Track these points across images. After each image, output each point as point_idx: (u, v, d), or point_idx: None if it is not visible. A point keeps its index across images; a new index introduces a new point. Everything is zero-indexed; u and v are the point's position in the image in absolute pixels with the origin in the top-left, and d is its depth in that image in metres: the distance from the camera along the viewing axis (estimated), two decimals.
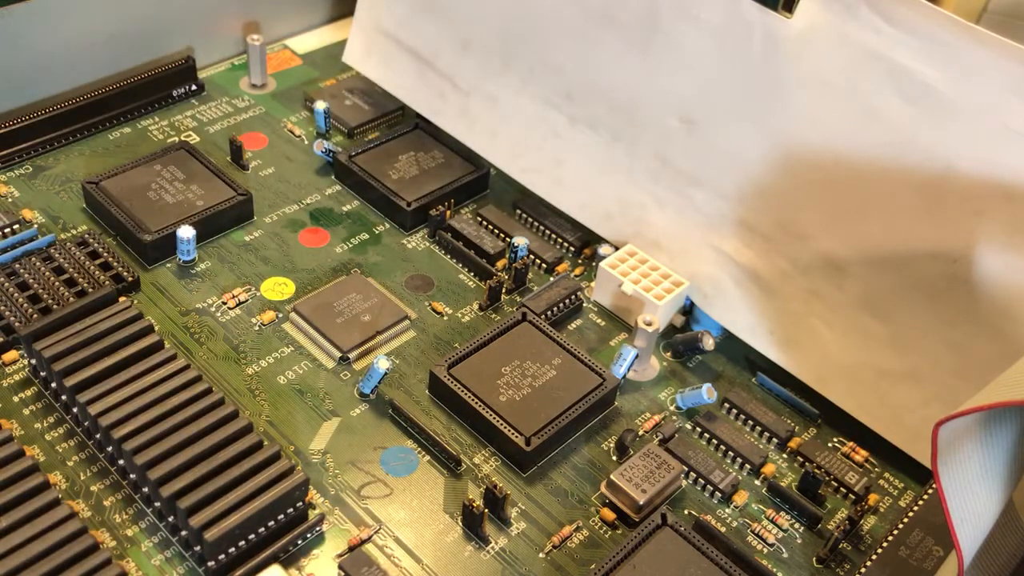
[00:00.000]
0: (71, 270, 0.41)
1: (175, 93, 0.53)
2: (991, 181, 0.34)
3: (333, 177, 0.50)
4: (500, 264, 0.46)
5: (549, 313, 0.43)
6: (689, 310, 0.45)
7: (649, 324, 0.41)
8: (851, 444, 0.40)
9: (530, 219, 0.49)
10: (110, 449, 0.35)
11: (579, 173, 0.47)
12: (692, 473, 0.38)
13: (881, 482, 0.39)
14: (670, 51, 0.40)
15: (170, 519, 0.33)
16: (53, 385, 0.36)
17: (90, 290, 0.40)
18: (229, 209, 0.46)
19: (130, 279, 0.42)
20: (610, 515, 0.36)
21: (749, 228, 0.41)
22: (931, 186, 0.35)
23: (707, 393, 0.40)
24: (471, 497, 0.35)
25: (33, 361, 0.37)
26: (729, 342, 0.44)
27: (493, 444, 0.38)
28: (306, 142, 0.52)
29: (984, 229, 0.35)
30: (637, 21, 0.41)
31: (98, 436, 0.35)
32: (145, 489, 0.34)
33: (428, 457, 0.38)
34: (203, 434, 0.34)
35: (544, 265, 0.46)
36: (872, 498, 0.38)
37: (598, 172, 0.46)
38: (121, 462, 0.34)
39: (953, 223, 0.35)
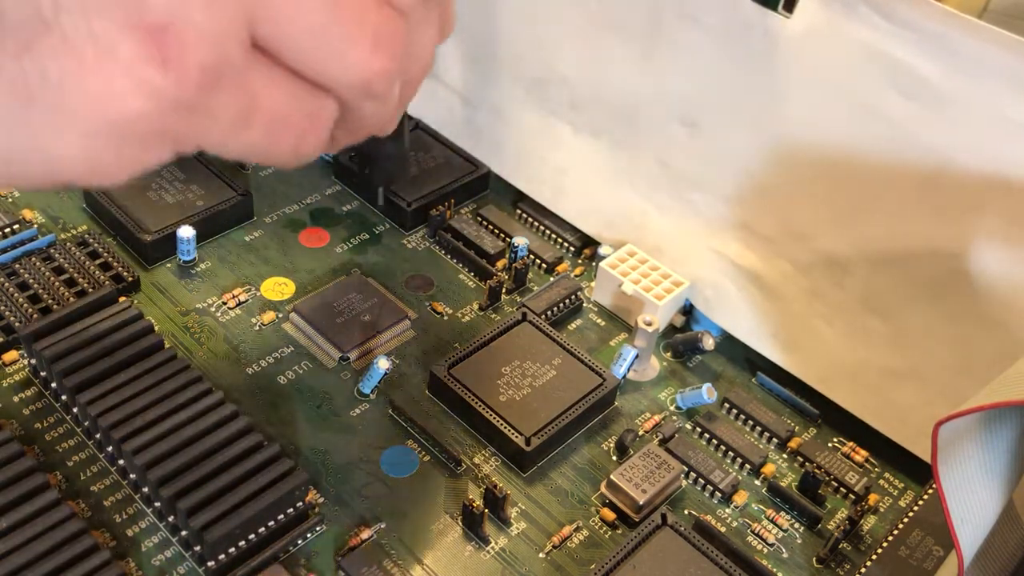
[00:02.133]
0: (71, 270, 0.41)
1: None
2: (991, 174, 0.34)
3: (333, 177, 0.50)
4: (500, 264, 0.46)
5: (549, 313, 0.43)
6: (689, 310, 0.45)
7: (649, 324, 0.41)
8: (851, 444, 0.40)
9: (530, 219, 0.49)
10: (110, 449, 0.35)
11: (582, 182, 0.47)
12: (692, 473, 0.38)
13: (881, 482, 0.39)
14: (672, 55, 0.40)
15: (170, 519, 0.33)
16: (53, 385, 0.36)
17: (90, 290, 0.40)
18: (229, 209, 0.46)
19: (130, 279, 0.42)
20: (610, 515, 0.36)
21: (750, 230, 0.41)
22: (931, 181, 0.35)
23: (707, 393, 0.40)
24: (471, 497, 0.35)
25: (33, 361, 0.37)
26: (729, 342, 0.44)
27: (493, 444, 0.38)
28: None
29: (985, 223, 0.35)
30: (640, 27, 0.41)
31: (98, 436, 0.35)
32: (145, 489, 0.34)
33: (428, 457, 0.38)
34: (203, 434, 0.34)
35: (544, 265, 0.46)
36: (872, 498, 0.38)
37: (601, 180, 0.46)
38: (121, 462, 0.34)
39: (954, 218, 0.35)
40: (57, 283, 0.40)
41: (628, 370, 0.41)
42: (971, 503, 0.29)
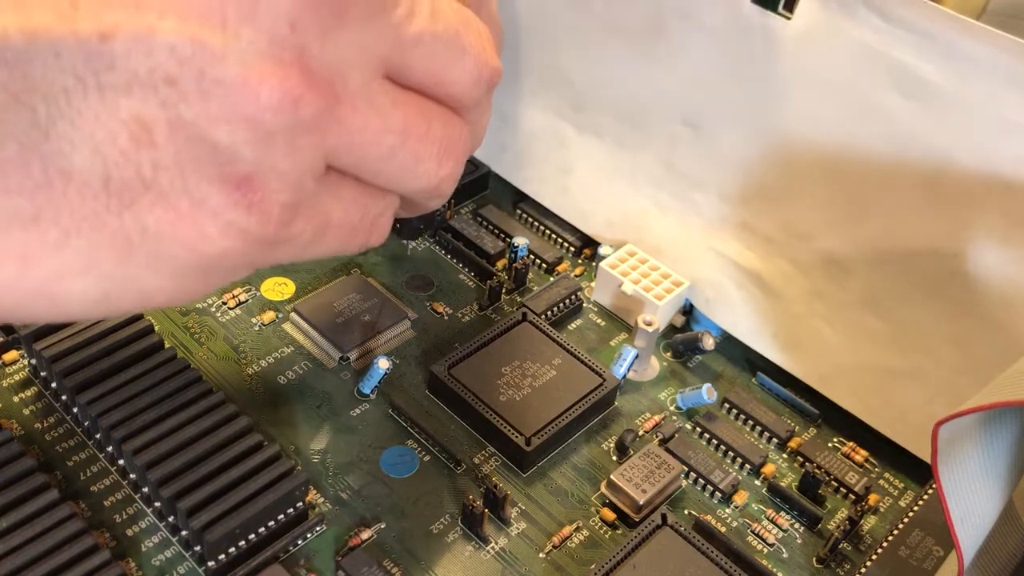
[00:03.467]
0: None
1: None
2: (990, 174, 0.34)
3: None
4: (500, 264, 0.46)
5: (549, 313, 0.43)
6: (689, 310, 0.45)
7: (649, 324, 0.41)
8: (851, 444, 0.40)
9: (530, 219, 0.49)
10: (110, 449, 0.35)
11: (584, 182, 0.47)
12: (692, 473, 0.38)
13: (881, 482, 0.39)
14: (674, 56, 0.40)
15: (170, 519, 0.33)
16: (53, 385, 0.36)
17: None
18: None
19: None
20: (610, 515, 0.36)
21: (751, 230, 0.41)
22: (931, 181, 0.35)
23: (707, 393, 0.40)
24: (471, 497, 0.35)
25: (33, 361, 0.37)
26: (729, 342, 0.44)
27: (493, 444, 0.38)
28: None
29: (984, 222, 0.35)
30: (642, 28, 0.41)
31: (98, 436, 0.35)
32: (145, 489, 0.34)
33: (428, 457, 0.38)
34: (203, 434, 0.34)
35: (544, 265, 0.46)
36: (872, 498, 0.38)
37: (603, 180, 0.46)
38: (121, 462, 0.34)
39: (953, 217, 0.35)
40: None
41: (628, 370, 0.41)
42: (971, 503, 0.29)
